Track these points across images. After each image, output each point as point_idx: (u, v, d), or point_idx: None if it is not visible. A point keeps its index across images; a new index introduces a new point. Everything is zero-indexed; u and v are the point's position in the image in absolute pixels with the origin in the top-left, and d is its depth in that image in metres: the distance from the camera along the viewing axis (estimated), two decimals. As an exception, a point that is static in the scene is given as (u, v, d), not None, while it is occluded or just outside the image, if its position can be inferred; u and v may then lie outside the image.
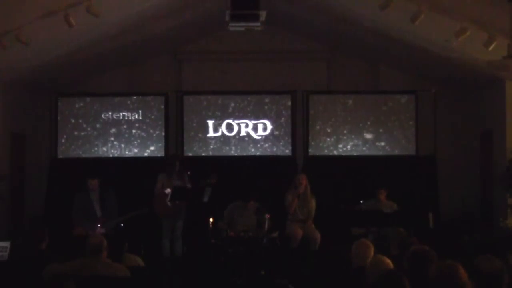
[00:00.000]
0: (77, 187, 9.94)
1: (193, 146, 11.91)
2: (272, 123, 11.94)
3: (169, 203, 9.81)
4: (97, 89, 12.01)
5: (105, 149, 11.80)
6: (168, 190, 9.81)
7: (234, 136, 11.92)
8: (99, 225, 9.32)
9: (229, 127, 11.90)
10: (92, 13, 7.98)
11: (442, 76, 11.87)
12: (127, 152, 11.81)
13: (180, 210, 9.93)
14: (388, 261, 5.10)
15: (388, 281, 4.39)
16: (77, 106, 11.83)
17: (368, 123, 11.84)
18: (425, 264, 4.78)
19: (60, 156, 11.74)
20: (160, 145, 11.83)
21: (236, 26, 10.17)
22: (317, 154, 11.87)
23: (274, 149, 11.93)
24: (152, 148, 11.85)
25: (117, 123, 11.83)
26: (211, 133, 11.92)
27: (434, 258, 4.86)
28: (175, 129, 11.98)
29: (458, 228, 10.29)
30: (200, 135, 11.92)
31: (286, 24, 12.04)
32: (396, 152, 11.83)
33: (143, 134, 11.84)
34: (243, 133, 11.91)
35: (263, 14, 9.59)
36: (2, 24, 8.23)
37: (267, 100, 12.00)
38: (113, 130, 11.82)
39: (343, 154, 11.85)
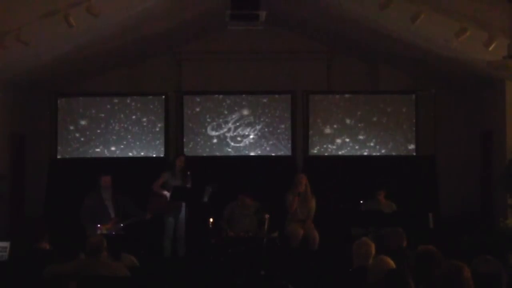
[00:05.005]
0: (85, 187, 9.83)
1: (193, 146, 11.92)
2: (272, 123, 11.95)
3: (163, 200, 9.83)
4: (97, 89, 12.00)
5: (105, 149, 11.81)
6: (167, 193, 9.81)
7: (234, 136, 11.92)
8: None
9: (229, 127, 11.91)
10: (92, 13, 7.98)
11: (442, 76, 11.88)
12: (126, 152, 11.81)
13: (177, 207, 9.91)
14: (390, 261, 5.10)
15: (392, 280, 4.40)
16: (77, 106, 11.84)
17: (368, 123, 11.86)
18: (430, 264, 4.80)
19: (60, 156, 11.75)
20: (160, 145, 11.84)
21: (236, 26, 10.17)
22: (317, 154, 11.88)
23: (274, 149, 11.94)
24: (152, 148, 11.85)
25: (117, 123, 11.83)
26: (211, 133, 11.93)
27: (440, 258, 4.87)
28: (175, 129, 11.98)
29: (458, 228, 10.27)
30: (200, 135, 11.93)
31: (286, 24, 12.04)
32: (396, 152, 11.84)
33: (143, 134, 11.85)
34: (243, 133, 11.92)
35: (263, 14, 9.60)
36: (2, 24, 8.23)
37: (267, 100, 12.02)
38: (113, 130, 11.83)
39: (343, 154, 11.87)
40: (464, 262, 4.30)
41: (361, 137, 11.88)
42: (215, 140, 11.95)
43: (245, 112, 11.97)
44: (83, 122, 11.80)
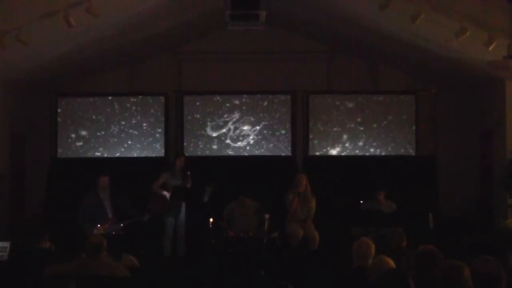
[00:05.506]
0: (85, 187, 9.83)
1: (193, 146, 11.91)
2: (272, 123, 11.95)
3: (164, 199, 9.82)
4: (97, 89, 12.00)
5: (105, 149, 11.81)
6: (166, 193, 9.80)
7: (233, 136, 11.92)
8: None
9: (229, 127, 11.91)
10: (92, 13, 7.98)
11: (442, 76, 11.88)
12: (126, 153, 11.80)
13: (177, 206, 9.91)
14: (390, 261, 5.11)
15: (392, 280, 4.40)
16: (77, 106, 11.85)
17: (368, 123, 11.86)
18: (430, 264, 4.80)
19: (60, 156, 11.75)
20: (160, 145, 11.84)
21: (236, 26, 10.17)
22: (317, 154, 11.88)
23: (274, 149, 11.94)
24: (152, 148, 11.85)
25: (116, 123, 11.84)
26: (211, 133, 11.94)
27: (440, 258, 4.87)
28: (175, 129, 11.98)
29: (458, 228, 10.28)
30: (200, 135, 11.93)
31: (286, 24, 12.04)
32: (396, 152, 11.84)
33: (143, 134, 11.84)
34: (243, 133, 11.92)
35: (263, 14, 9.60)
36: (2, 24, 8.23)
37: (267, 100, 12.02)
38: (113, 130, 11.83)
39: (343, 154, 11.87)
40: (464, 262, 4.30)
41: (360, 137, 11.88)
42: (215, 141, 11.95)
43: (245, 112, 11.97)
44: (83, 122, 11.79)
